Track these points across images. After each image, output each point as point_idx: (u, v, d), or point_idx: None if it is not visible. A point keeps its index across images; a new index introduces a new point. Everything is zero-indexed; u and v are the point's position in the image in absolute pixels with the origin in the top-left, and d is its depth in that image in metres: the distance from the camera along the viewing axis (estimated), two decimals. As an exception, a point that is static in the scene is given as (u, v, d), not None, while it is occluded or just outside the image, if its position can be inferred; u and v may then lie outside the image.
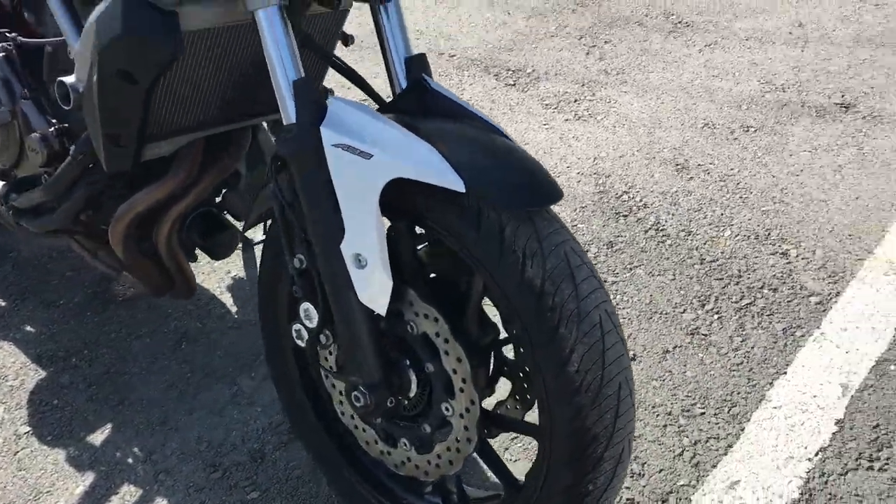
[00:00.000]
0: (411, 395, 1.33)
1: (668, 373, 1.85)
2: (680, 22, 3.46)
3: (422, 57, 1.38)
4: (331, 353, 1.43)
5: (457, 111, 1.29)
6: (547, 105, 2.91)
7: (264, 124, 1.73)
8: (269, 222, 1.59)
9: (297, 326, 1.38)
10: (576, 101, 2.91)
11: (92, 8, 1.37)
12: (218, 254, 1.79)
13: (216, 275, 2.25)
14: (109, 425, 1.82)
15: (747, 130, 2.70)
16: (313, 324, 1.34)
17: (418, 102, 1.32)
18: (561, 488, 1.19)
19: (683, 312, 1.98)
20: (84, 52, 1.35)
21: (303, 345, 1.38)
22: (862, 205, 2.34)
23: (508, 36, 3.27)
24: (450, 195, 1.17)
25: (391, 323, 1.30)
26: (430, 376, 1.29)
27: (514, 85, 3.07)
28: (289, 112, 1.24)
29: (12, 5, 1.66)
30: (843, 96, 2.86)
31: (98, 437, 1.79)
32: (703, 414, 1.75)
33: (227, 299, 2.15)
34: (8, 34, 1.59)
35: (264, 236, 2.10)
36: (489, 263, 1.15)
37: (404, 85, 1.39)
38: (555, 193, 1.14)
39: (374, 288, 1.23)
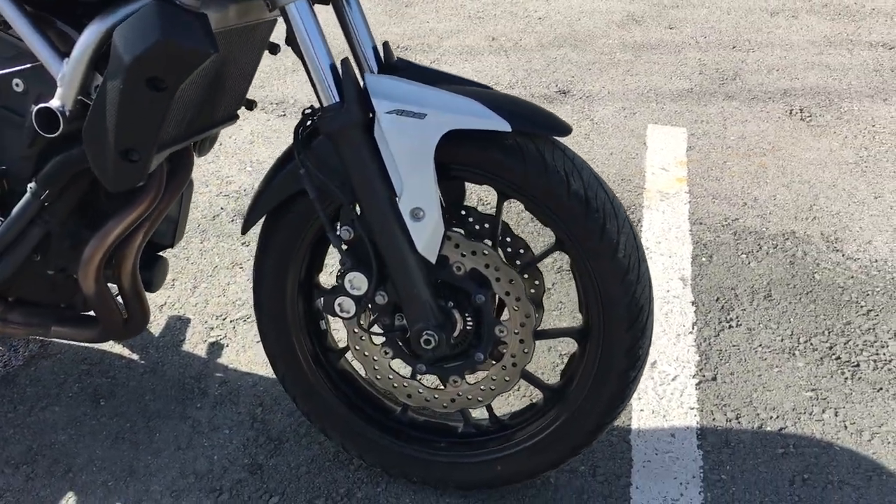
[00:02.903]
0: (456, 333, 1.50)
1: (561, 303, 2.21)
2: (398, 47, 3.87)
3: (387, 44, 1.57)
4: (363, 318, 1.53)
5: (450, 78, 1.51)
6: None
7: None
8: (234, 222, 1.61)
9: (339, 300, 1.47)
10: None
11: (71, 27, 1.35)
12: (157, 284, 1.74)
13: (87, 334, 2.10)
14: (71, 494, 1.66)
15: (504, 120, 3.18)
16: (362, 290, 1.45)
17: (411, 76, 1.51)
18: (617, 363, 1.46)
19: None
20: (77, 71, 1.32)
21: (348, 316, 1.48)
22: (617, 157, 2.93)
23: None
24: (491, 139, 1.39)
25: (437, 269, 1.46)
26: (479, 307, 1.48)
27: (283, 115, 3.23)
28: (330, 93, 1.36)
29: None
30: (557, 86, 3.49)
31: (66, 509, 1.63)
32: (602, 324, 2.13)
33: (119, 348, 2.04)
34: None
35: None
36: (538, 186, 1.39)
37: (376, 70, 1.56)
38: (568, 124, 1.42)
39: (429, 237, 1.40)
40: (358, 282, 1.45)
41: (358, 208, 1.42)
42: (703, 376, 1.97)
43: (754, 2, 4.42)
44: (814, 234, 2.50)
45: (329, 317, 1.70)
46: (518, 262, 1.55)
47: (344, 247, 1.45)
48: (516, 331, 1.49)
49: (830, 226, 2.55)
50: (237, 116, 1.71)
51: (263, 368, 1.99)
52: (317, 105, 1.99)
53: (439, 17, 4.20)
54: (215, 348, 2.05)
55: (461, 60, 3.72)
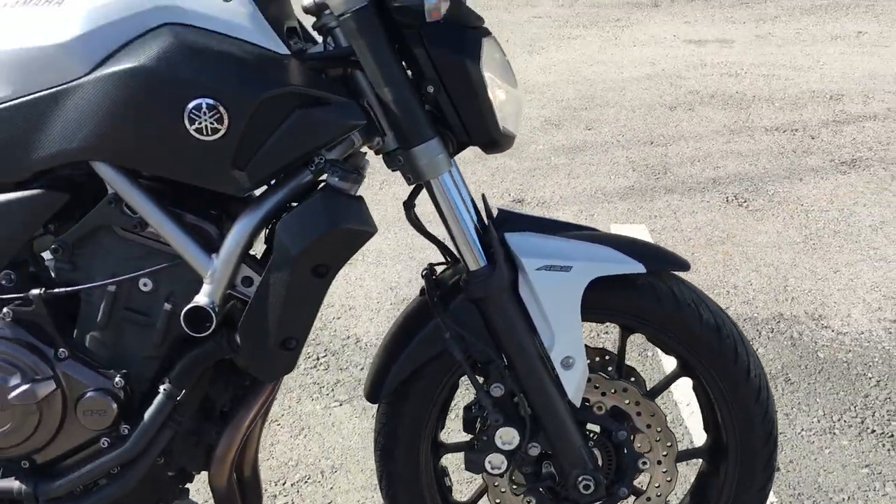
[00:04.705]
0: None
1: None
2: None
3: (485, 197, 1.61)
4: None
5: (559, 224, 1.56)
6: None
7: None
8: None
9: (489, 458, 1.46)
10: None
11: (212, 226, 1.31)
12: (254, 464, 1.66)
13: None
14: None
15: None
16: (513, 444, 1.45)
17: (528, 227, 1.54)
18: (757, 478, 1.53)
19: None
20: (228, 266, 1.28)
21: (498, 472, 1.47)
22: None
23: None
24: (623, 280, 1.45)
25: (579, 411, 1.48)
26: (621, 443, 1.51)
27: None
28: (478, 257, 1.38)
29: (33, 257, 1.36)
30: (511, 195, 3.62)
31: None
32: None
33: None
34: (31, 294, 1.31)
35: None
36: (671, 320, 1.46)
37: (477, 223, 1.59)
38: (686, 259, 1.51)
39: (577, 384, 1.43)
40: (508, 436, 1.45)
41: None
42: (768, 468, 2.06)
43: (651, 98, 4.80)
44: (800, 314, 2.71)
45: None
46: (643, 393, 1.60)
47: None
48: (659, 460, 1.52)
49: (810, 304, 2.77)
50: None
51: (347, 531, 1.91)
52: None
53: (367, 138, 4.28)
54: (288, 518, 1.95)
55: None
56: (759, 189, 3.64)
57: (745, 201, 3.53)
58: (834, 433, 2.19)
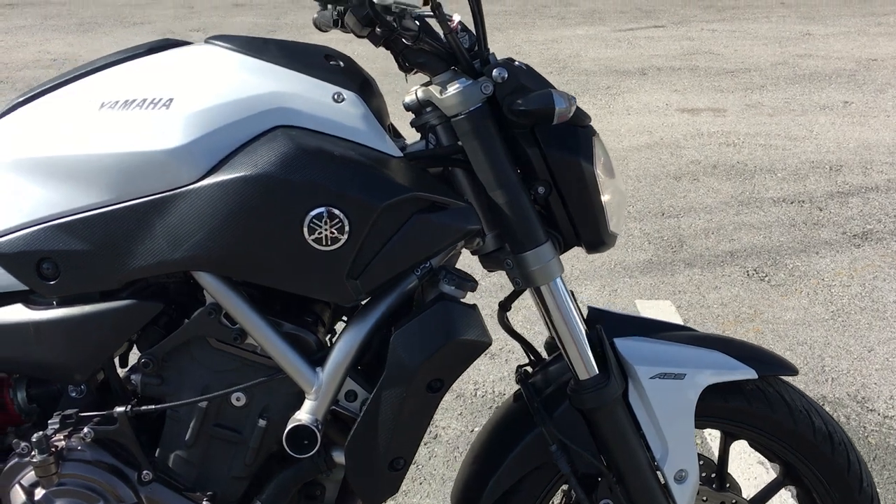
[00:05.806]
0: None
1: None
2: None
3: (571, 292, 1.55)
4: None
5: (656, 324, 1.49)
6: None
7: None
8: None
9: (597, 582, 1.37)
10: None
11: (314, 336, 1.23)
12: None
13: None
14: None
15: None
16: (622, 565, 1.36)
17: (623, 329, 1.48)
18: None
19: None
20: (334, 381, 1.19)
21: None
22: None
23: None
24: (733, 387, 1.38)
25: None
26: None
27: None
28: (590, 365, 1.31)
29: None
30: (529, 270, 3.56)
31: None
32: None
33: None
34: (116, 412, 1.21)
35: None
36: (783, 427, 1.39)
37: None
38: (794, 364, 1.45)
39: (689, 498, 1.36)
40: (616, 557, 1.36)
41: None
42: (841, 567, 1.99)
43: (654, 168, 4.82)
44: (843, 397, 2.66)
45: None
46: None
47: (599, 519, 1.37)
48: (763, 571, 1.44)
49: (850, 385, 2.72)
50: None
51: None
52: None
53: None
54: None
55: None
56: (777, 263, 3.62)
57: (766, 276, 3.51)
58: (901, 526, 2.13)
